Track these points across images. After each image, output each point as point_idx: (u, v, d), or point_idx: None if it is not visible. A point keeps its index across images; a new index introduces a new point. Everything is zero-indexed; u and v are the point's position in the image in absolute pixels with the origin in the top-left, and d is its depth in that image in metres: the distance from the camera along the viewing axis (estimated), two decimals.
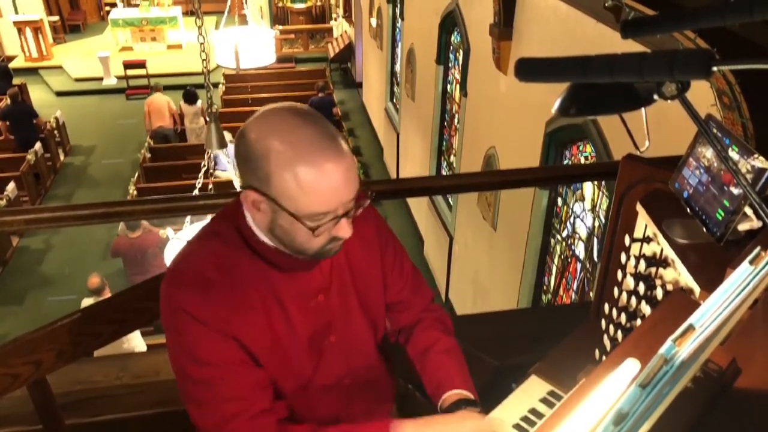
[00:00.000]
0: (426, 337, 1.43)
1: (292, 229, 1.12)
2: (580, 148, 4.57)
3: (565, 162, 4.75)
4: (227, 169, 3.88)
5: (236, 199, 1.23)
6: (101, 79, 13.97)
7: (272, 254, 1.19)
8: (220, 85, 12.61)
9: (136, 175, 9.43)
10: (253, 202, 1.12)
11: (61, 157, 11.10)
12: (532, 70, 0.78)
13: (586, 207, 4.54)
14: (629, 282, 1.44)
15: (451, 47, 7.19)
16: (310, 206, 1.08)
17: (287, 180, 1.06)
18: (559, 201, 4.95)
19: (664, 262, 1.37)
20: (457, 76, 6.95)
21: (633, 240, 1.47)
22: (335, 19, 15.91)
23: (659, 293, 1.37)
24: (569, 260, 4.87)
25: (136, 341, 5.27)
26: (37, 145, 9.83)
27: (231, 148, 8.21)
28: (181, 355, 1.17)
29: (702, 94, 2.36)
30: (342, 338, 1.31)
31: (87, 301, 5.58)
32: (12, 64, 14.19)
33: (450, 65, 7.33)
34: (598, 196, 4.35)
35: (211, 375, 1.16)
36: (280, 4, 17.08)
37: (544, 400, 1.46)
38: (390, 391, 1.51)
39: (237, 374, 1.17)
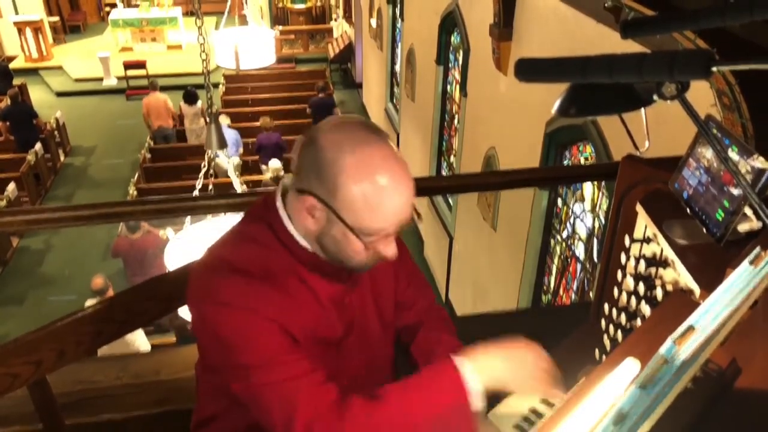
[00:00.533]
0: (431, 338, 1.44)
1: (344, 241, 1.13)
2: (580, 148, 4.57)
3: (565, 162, 4.75)
4: (220, 155, 3.84)
5: (263, 199, 1.23)
6: (101, 79, 13.97)
7: (309, 257, 1.20)
8: (220, 86, 12.61)
9: (136, 175, 9.43)
10: (308, 208, 1.12)
11: (62, 158, 11.10)
12: (532, 70, 0.79)
13: (586, 207, 4.54)
14: (629, 282, 1.45)
15: (451, 48, 7.19)
16: (370, 223, 1.09)
17: (356, 194, 1.07)
18: (559, 201, 4.95)
19: (664, 263, 1.37)
20: (457, 77, 6.95)
21: (633, 240, 1.47)
22: (335, 20, 15.91)
23: (659, 294, 1.37)
24: (569, 261, 4.87)
25: (140, 341, 5.28)
26: (38, 146, 9.84)
27: (230, 133, 8.19)
28: (231, 349, 1.14)
29: (702, 94, 2.36)
30: (359, 338, 1.33)
31: (91, 303, 5.59)
32: (12, 65, 14.19)
33: (450, 66, 7.33)
34: (598, 196, 4.35)
35: (268, 357, 1.14)
36: (280, 5, 17.08)
37: (544, 400, 1.46)
38: None
39: (293, 353, 1.16)
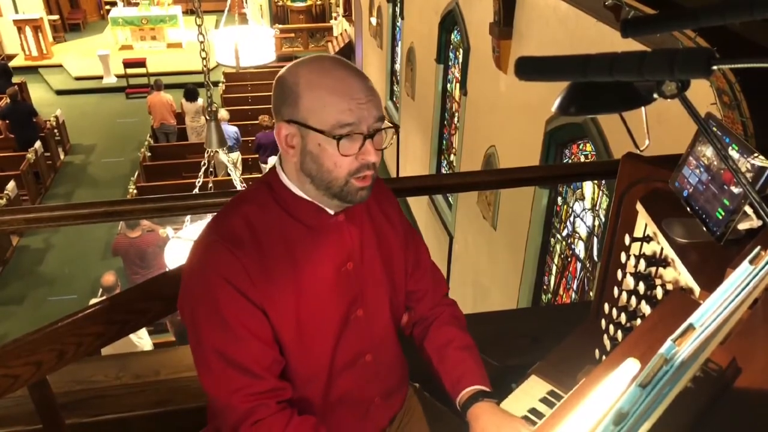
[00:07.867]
0: (444, 333, 1.45)
1: (321, 153, 1.16)
2: (580, 146, 4.57)
3: (565, 161, 4.75)
4: (219, 152, 3.88)
5: (272, 168, 1.29)
6: (101, 77, 13.97)
7: (303, 210, 1.23)
8: (221, 84, 12.60)
9: (136, 173, 9.43)
10: (286, 137, 1.19)
11: (61, 156, 11.10)
12: (532, 68, 0.78)
13: (586, 206, 4.54)
14: (629, 281, 1.44)
15: (451, 46, 7.18)
16: (334, 114, 1.14)
17: (314, 94, 1.15)
18: (559, 200, 4.95)
19: (664, 262, 1.37)
20: (457, 75, 6.95)
21: (633, 239, 1.46)
22: (335, 18, 15.90)
23: (659, 293, 1.37)
24: (569, 259, 4.87)
25: (145, 340, 5.28)
26: (37, 144, 9.84)
27: (230, 130, 8.20)
28: (204, 318, 1.19)
29: (702, 92, 2.36)
30: (368, 313, 1.33)
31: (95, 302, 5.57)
32: (12, 63, 14.18)
33: (450, 64, 7.32)
34: (598, 195, 4.35)
35: (229, 345, 1.18)
36: (280, 3, 17.07)
37: (544, 400, 1.46)
38: (406, 372, 1.52)
39: (253, 349, 1.19)
